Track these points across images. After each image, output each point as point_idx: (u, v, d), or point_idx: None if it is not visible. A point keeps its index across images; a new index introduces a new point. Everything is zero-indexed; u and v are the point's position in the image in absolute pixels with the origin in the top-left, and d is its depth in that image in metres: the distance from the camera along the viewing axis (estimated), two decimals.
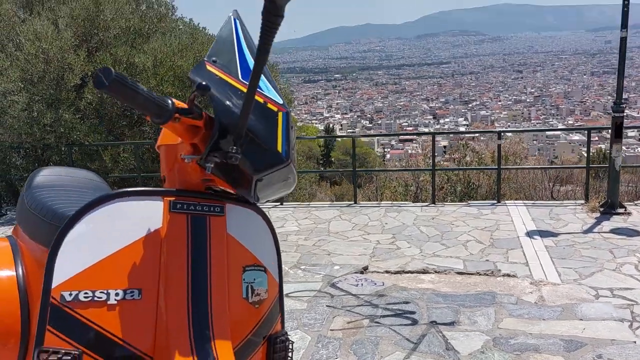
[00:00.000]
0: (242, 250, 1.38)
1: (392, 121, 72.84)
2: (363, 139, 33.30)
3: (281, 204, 7.86)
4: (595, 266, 4.69)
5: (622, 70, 6.37)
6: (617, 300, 3.88)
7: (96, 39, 9.06)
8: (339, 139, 27.62)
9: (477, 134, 15.10)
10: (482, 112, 74.09)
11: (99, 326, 1.20)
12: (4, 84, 7.96)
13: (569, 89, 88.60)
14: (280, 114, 1.34)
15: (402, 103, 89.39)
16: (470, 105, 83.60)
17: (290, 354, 1.49)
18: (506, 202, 7.37)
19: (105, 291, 1.21)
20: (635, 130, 47.48)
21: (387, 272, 4.66)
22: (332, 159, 25.52)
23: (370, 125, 72.02)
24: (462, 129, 47.50)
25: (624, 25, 6.24)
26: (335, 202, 8.82)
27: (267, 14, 1.01)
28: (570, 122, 60.35)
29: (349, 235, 6.13)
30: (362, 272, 4.61)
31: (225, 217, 1.35)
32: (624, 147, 6.55)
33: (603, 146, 20.80)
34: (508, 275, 4.42)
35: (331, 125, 49.04)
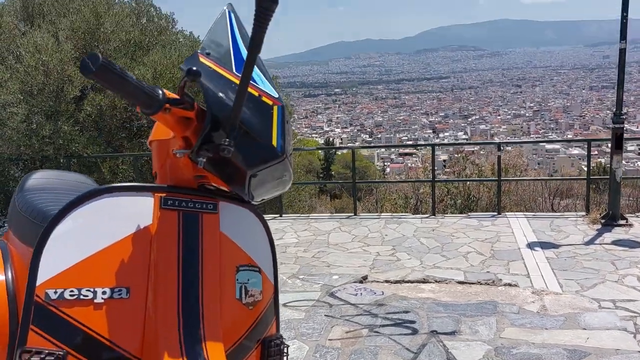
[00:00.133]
0: (236, 249, 1.34)
1: (392, 135, 73.03)
2: (363, 153, 33.33)
3: (280, 216, 7.82)
4: (597, 278, 4.64)
5: (621, 81, 6.37)
6: (619, 312, 3.82)
7: (97, 52, 9.08)
8: (339, 153, 27.61)
9: (476, 147, 15.09)
10: (482, 126, 74.25)
11: (85, 326, 1.15)
12: (4, 95, 7.97)
13: (568, 104, 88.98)
14: (275, 107, 1.31)
15: (401, 117, 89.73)
16: (469, 119, 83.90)
17: (285, 359, 1.44)
18: (506, 213, 7.32)
19: (92, 289, 1.17)
20: (635, 144, 47.58)
21: (386, 281, 4.61)
22: (332, 172, 25.48)
23: (370, 139, 72.19)
24: None
25: (623, 36, 6.26)
26: (334, 214, 8.77)
27: (261, 0, 0.98)
28: (569, 136, 60.44)
29: (348, 247, 6.08)
30: (361, 282, 4.56)
31: (218, 215, 1.31)
32: (623, 161, 6.52)
33: (603, 160, 20.80)
34: (509, 284, 4.37)
35: (331, 139, 49.13)
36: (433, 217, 7.33)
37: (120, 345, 1.17)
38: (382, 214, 8.31)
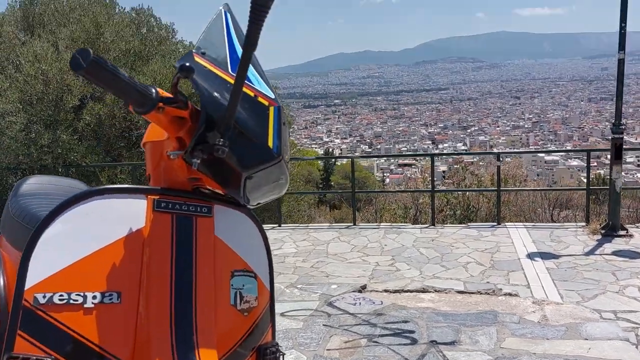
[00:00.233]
0: (231, 254, 1.31)
1: (391, 146, 73.15)
2: (363, 163, 33.35)
3: (279, 226, 7.78)
4: (597, 288, 4.60)
5: (620, 91, 6.37)
6: (621, 322, 3.78)
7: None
8: (339, 163, 27.61)
9: (475, 157, 15.10)
10: (481, 138, 74.42)
11: (74, 331, 1.12)
12: (3, 104, 7.96)
13: (567, 115, 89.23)
14: (271, 108, 1.28)
15: (401, 128, 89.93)
16: (468, 130, 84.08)
17: None
18: (506, 224, 7.29)
19: (81, 294, 1.13)
20: (634, 155, 47.63)
21: (385, 291, 4.56)
22: (332, 182, 25.45)
23: (370, 149, 72.27)
24: None
25: (622, 47, 6.27)
26: (334, 224, 8.73)
27: None
28: (568, 147, 60.53)
29: (347, 257, 6.03)
30: (360, 291, 4.51)
31: (213, 219, 1.28)
32: (622, 173, 6.51)
33: (602, 172, 20.80)
34: (510, 294, 4.32)
35: (331, 150, 49.18)
36: (432, 227, 7.29)
37: (111, 351, 1.13)
38: (382, 224, 8.27)
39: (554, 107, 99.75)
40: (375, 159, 50.62)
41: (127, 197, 1.22)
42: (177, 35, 10.65)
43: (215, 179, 1.26)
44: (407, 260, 5.74)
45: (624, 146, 6.51)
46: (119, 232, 1.19)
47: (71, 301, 1.13)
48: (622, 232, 6.27)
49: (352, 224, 7.69)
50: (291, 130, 21.05)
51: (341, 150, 66.02)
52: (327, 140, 79.23)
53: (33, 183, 1.82)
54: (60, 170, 8.56)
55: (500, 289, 4.52)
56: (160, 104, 1.11)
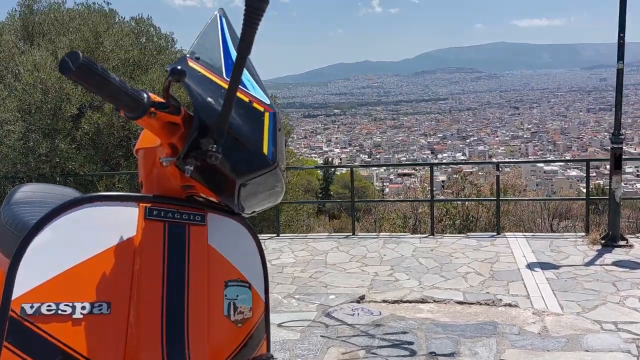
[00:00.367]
0: (225, 263, 1.28)
1: (390, 155, 73.16)
2: (362, 173, 33.35)
3: (278, 235, 7.74)
4: (598, 299, 4.57)
5: (619, 101, 6.37)
6: (622, 334, 3.75)
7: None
8: (338, 173, 27.58)
9: (475, 167, 15.10)
10: (480, 148, 74.45)
11: (62, 342, 1.08)
12: (1, 113, 7.96)
13: (566, 125, 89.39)
14: (266, 114, 1.26)
15: (400, 138, 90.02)
16: (467, 140, 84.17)
17: None
18: (506, 234, 7.26)
19: (70, 304, 1.10)
20: (633, 166, 47.66)
21: (384, 301, 4.52)
22: (331, 192, 25.41)
23: (369, 159, 72.27)
24: None
25: (620, 57, 6.28)
26: (333, 234, 8.69)
27: None
28: (567, 157, 60.56)
29: (346, 267, 6.00)
30: (358, 302, 4.47)
31: (206, 227, 1.25)
32: (622, 183, 6.49)
33: (601, 182, 20.76)
34: (509, 305, 4.28)
35: (330, 159, 49.18)
36: (432, 237, 7.26)
37: None
38: (381, 233, 8.24)
39: (552, 118, 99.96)
40: (375, 168, 50.64)
41: (119, 204, 1.19)
42: (177, 45, 10.68)
43: (209, 187, 1.23)
44: (406, 270, 5.70)
45: (623, 156, 6.50)
46: (110, 240, 1.16)
47: (59, 312, 1.09)
48: (622, 243, 6.24)
49: (351, 234, 7.66)
50: (291, 139, 21.04)
51: (340, 159, 66.04)
52: (326, 149, 79.26)
53: (26, 191, 1.80)
54: (58, 179, 8.54)
55: (500, 300, 4.49)
56: (152, 109, 1.09)
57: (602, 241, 6.33)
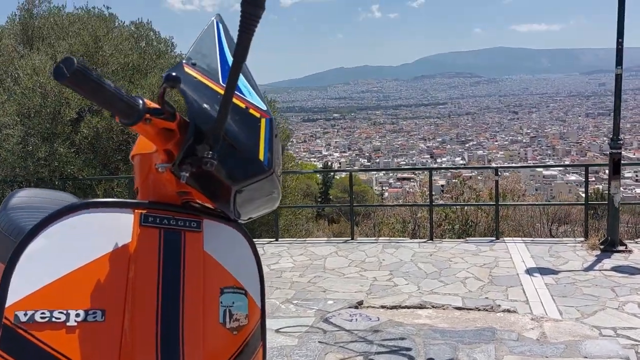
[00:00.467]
0: (220, 270, 1.27)
1: (389, 160, 73.17)
2: (361, 177, 33.35)
3: (276, 240, 7.73)
4: (597, 304, 4.56)
5: (617, 106, 6.38)
6: (621, 340, 3.74)
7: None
8: (337, 177, 27.57)
9: (474, 172, 15.09)
10: (479, 152, 74.54)
11: (56, 350, 1.07)
12: (0, 117, 7.95)
13: (565, 130, 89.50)
14: (263, 120, 1.25)
15: (399, 142, 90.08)
16: (467, 145, 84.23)
17: None
18: (505, 239, 7.25)
19: (64, 311, 1.09)
20: (632, 171, 47.68)
21: (382, 307, 4.51)
22: (331, 196, 25.40)
23: (369, 163, 72.28)
24: None
25: (619, 62, 6.29)
26: (331, 239, 8.68)
27: (246, 5, 0.94)
28: (566, 162, 60.61)
29: (345, 271, 5.99)
30: (356, 307, 4.46)
31: (202, 234, 1.24)
32: (621, 188, 6.49)
33: (600, 186, 20.76)
34: (508, 310, 4.27)
35: (330, 163, 49.18)
36: (431, 241, 7.25)
37: None
38: (380, 238, 8.23)
39: (552, 122, 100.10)
40: (374, 172, 50.66)
41: (114, 211, 1.18)
42: (176, 49, 10.69)
43: (205, 193, 1.22)
44: (405, 276, 5.69)
45: (622, 161, 6.50)
46: (105, 247, 1.15)
47: (53, 319, 1.09)
48: (621, 248, 6.23)
49: (350, 239, 7.65)
50: (290, 143, 21.04)
51: (340, 163, 66.07)
52: (326, 153, 79.30)
53: (23, 196, 1.79)
54: (57, 183, 8.53)
55: (499, 305, 4.48)
56: (148, 115, 1.08)
57: (601, 246, 6.32)
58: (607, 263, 5.79)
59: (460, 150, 79.59)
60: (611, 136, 6.46)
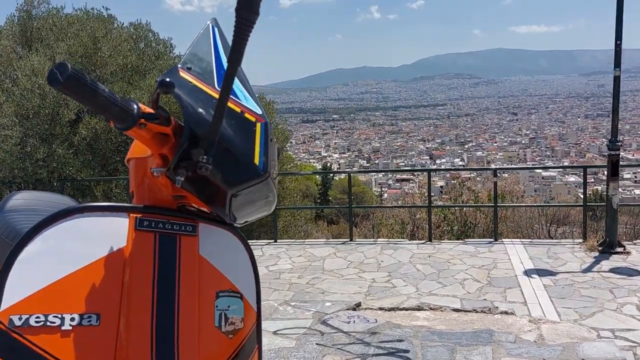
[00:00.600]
0: (216, 274, 1.27)
1: (389, 161, 73.17)
2: (360, 178, 33.32)
3: (275, 241, 7.73)
4: (595, 306, 4.56)
5: (616, 107, 6.38)
6: (619, 341, 3.74)
7: (93, 75, 9.13)
8: (337, 178, 27.57)
9: (473, 173, 15.11)
10: (478, 153, 74.57)
11: (51, 354, 1.07)
12: None
13: (564, 131, 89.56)
14: (258, 124, 1.25)
15: (398, 143, 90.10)
16: (466, 146, 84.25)
17: None
18: (503, 240, 7.25)
19: (59, 315, 1.09)
20: (631, 172, 47.73)
21: (380, 308, 4.51)
22: (330, 197, 25.41)
23: (368, 164, 72.27)
24: None
25: (617, 64, 6.30)
26: (330, 240, 8.68)
27: (241, 10, 0.94)
28: (565, 163, 60.65)
29: (343, 273, 5.98)
30: (354, 309, 4.46)
31: (197, 238, 1.24)
32: (619, 189, 6.49)
33: (599, 188, 20.79)
34: (506, 312, 4.27)
35: (329, 164, 49.17)
36: (429, 243, 7.25)
37: None
38: (379, 239, 8.23)
39: (551, 124, 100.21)
40: (373, 173, 50.61)
41: (109, 215, 1.18)
42: (175, 50, 10.71)
43: (200, 197, 1.22)
44: (403, 277, 5.69)
45: (621, 162, 6.51)
46: (100, 251, 1.15)
47: (48, 323, 1.08)
48: (619, 249, 6.24)
49: (348, 240, 7.65)
50: (289, 144, 21.05)
51: (339, 165, 66.06)
52: (325, 155, 79.30)
53: (20, 199, 1.79)
54: (55, 184, 8.53)
55: (497, 307, 4.47)
56: (142, 120, 1.08)
57: (600, 248, 6.33)
58: (606, 264, 5.79)
59: (459, 151, 79.63)
60: (610, 138, 6.46)
